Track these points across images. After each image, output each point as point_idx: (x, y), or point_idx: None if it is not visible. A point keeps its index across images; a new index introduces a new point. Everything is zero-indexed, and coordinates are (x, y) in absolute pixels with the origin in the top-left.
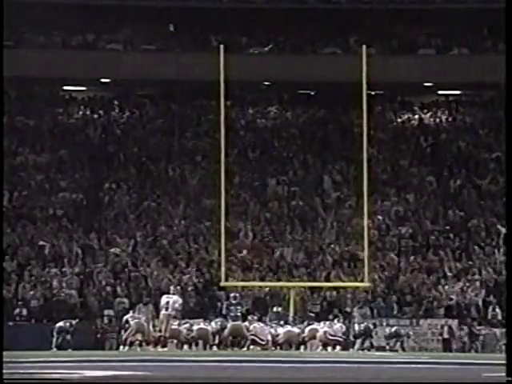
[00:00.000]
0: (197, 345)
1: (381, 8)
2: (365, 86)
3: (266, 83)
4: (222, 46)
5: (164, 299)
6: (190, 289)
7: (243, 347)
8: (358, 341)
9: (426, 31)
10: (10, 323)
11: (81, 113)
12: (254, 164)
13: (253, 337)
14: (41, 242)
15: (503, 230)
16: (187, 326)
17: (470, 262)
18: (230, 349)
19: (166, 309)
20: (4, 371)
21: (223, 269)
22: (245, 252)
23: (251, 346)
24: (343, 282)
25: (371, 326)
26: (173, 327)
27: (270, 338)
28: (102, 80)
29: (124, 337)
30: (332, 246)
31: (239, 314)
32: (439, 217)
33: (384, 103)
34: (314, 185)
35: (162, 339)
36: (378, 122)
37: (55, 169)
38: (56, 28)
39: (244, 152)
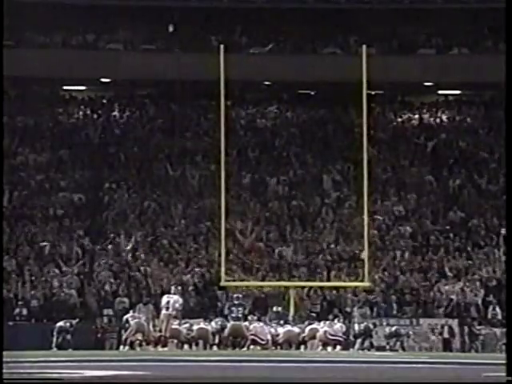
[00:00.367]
0: (197, 345)
1: (381, 8)
2: (365, 86)
3: (266, 83)
4: (222, 46)
5: (165, 299)
6: (190, 289)
7: (243, 347)
8: (358, 340)
9: (427, 31)
10: (10, 323)
11: (81, 113)
12: (254, 164)
13: (253, 337)
14: (43, 244)
15: (503, 232)
16: (187, 325)
17: (470, 262)
18: (230, 349)
19: (167, 308)
20: (4, 371)
21: (223, 269)
22: (245, 252)
23: (251, 346)
24: (343, 281)
25: (371, 326)
26: (173, 327)
27: (269, 337)
28: (102, 80)
29: (124, 336)
30: (332, 245)
31: (240, 314)
32: (439, 216)
33: (384, 103)
34: (314, 185)
35: (163, 339)
36: (378, 122)
37: (55, 168)
38: (56, 28)
39: (244, 152)
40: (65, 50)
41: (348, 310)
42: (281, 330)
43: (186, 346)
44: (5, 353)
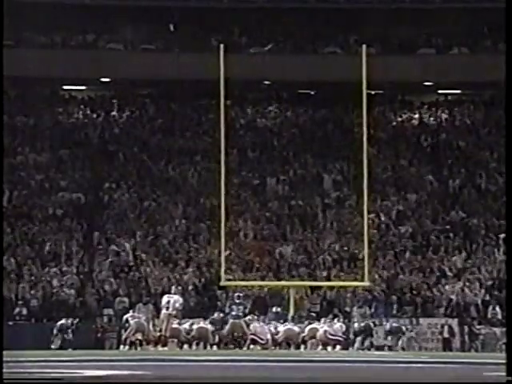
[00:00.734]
0: (198, 344)
1: (381, 8)
2: (365, 86)
3: (266, 83)
4: (221, 46)
5: (165, 299)
6: (190, 288)
7: (243, 346)
8: (358, 340)
9: (426, 31)
10: (10, 323)
11: (81, 112)
12: (253, 163)
13: (252, 336)
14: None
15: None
16: (187, 325)
17: (470, 262)
18: (230, 349)
19: (167, 308)
20: (4, 370)
21: (223, 268)
22: (245, 251)
23: (251, 346)
24: (343, 281)
25: (371, 326)
26: (173, 326)
27: (269, 337)
28: (102, 79)
29: (124, 336)
30: (332, 245)
31: (241, 313)
32: (439, 216)
33: (384, 103)
34: (314, 184)
35: (163, 339)
36: (378, 122)
37: (55, 168)
38: (56, 28)
39: (244, 151)
40: (65, 50)
41: (348, 309)
42: (281, 329)
43: (186, 346)
44: (5, 352)
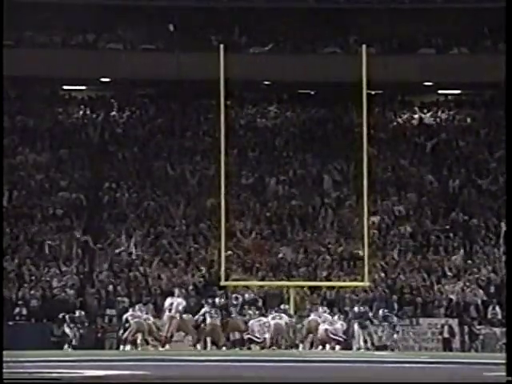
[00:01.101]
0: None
1: (381, 7)
2: (365, 86)
3: (266, 83)
4: (221, 46)
5: (168, 301)
6: (190, 288)
7: (237, 346)
8: (358, 340)
9: (426, 31)
10: (10, 323)
11: (81, 112)
12: (254, 163)
13: (249, 335)
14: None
15: (504, 228)
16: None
17: (470, 262)
18: (230, 349)
19: (170, 310)
20: (4, 370)
21: (223, 268)
22: (245, 251)
23: (251, 346)
24: (343, 281)
25: (371, 326)
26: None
27: (267, 336)
28: (102, 79)
29: (124, 336)
30: (332, 245)
31: (240, 313)
32: (439, 216)
33: (384, 103)
34: (314, 184)
35: (163, 339)
36: (378, 122)
37: (55, 168)
38: (56, 27)
39: (244, 151)
40: (64, 50)
41: (348, 309)
42: (271, 322)
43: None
44: (5, 352)
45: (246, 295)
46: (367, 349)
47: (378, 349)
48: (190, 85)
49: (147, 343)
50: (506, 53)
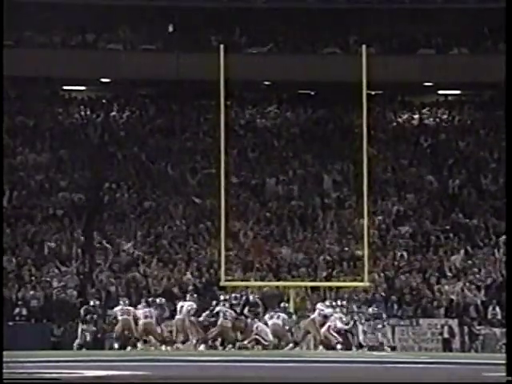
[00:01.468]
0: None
1: (381, 8)
2: (365, 86)
3: (266, 83)
4: (221, 46)
5: (179, 304)
6: (189, 288)
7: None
8: (358, 340)
9: (426, 31)
10: (10, 323)
11: (81, 113)
12: (253, 164)
13: (256, 336)
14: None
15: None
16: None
17: (470, 262)
18: (230, 349)
19: (180, 313)
20: (4, 371)
21: (223, 268)
22: (245, 252)
23: (250, 346)
24: (343, 281)
25: (371, 326)
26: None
27: (272, 338)
28: (102, 80)
29: (114, 335)
30: (332, 245)
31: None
32: (439, 216)
33: (384, 103)
34: (314, 184)
35: (168, 340)
36: (377, 122)
37: (55, 168)
38: (56, 28)
39: (244, 152)
40: (64, 50)
41: (348, 309)
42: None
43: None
44: (5, 353)
45: (246, 295)
46: (367, 349)
47: (377, 349)
48: (189, 85)
49: (135, 341)
50: (506, 53)
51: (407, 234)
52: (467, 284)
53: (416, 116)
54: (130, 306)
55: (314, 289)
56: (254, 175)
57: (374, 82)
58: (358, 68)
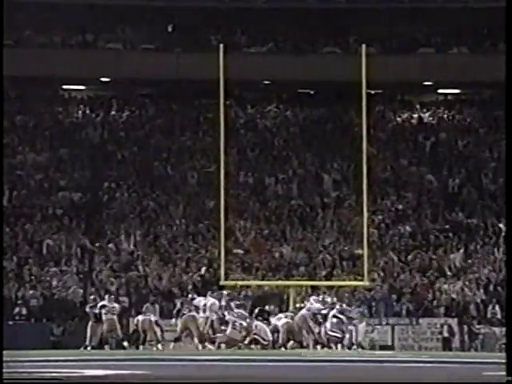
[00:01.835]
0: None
1: (380, 7)
2: (364, 85)
3: (266, 82)
4: (221, 46)
5: (202, 302)
6: (189, 288)
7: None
8: (358, 340)
9: (426, 30)
10: (10, 322)
11: (80, 112)
12: (253, 163)
13: (255, 336)
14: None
15: (503, 228)
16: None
17: (470, 261)
18: (230, 349)
19: (204, 311)
20: (4, 370)
21: (223, 268)
22: (244, 251)
23: (252, 346)
24: (343, 280)
25: (370, 325)
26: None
27: (271, 337)
28: (102, 79)
29: (102, 335)
30: (331, 244)
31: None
32: (439, 216)
33: (384, 102)
34: (314, 184)
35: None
36: (377, 121)
37: (55, 168)
38: (56, 27)
39: (243, 151)
40: (64, 50)
41: (347, 309)
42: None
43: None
44: (4, 352)
45: (246, 295)
46: (367, 349)
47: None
48: (189, 84)
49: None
50: (506, 52)
51: (407, 233)
52: (467, 283)
53: (415, 115)
54: (115, 302)
55: (313, 288)
56: (253, 175)
57: (374, 81)
58: (358, 67)
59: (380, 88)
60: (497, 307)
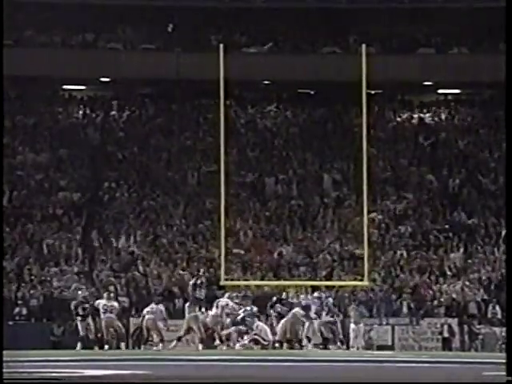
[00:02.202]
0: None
1: (380, 7)
2: (364, 85)
3: (266, 82)
4: (221, 46)
5: (217, 302)
6: (189, 288)
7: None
8: (358, 340)
9: (426, 30)
10: (10, 322)
11: (80, 112)
12: (253, 163)
13: (255, 336)
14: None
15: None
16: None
17: (470, 261)
18: (230, 348)
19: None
20: (4, 370)
21: (223, 268)
22: (244, 251)
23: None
24: (343, 280)
25: (370, 325)
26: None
27: (271, 337)
28: (102, 79)
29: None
30: (332, 244)
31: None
32: (439, 215)
33: (384, 102)
34: (314, 184)
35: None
36: (377, 121)
37: (55, 168)
38: (56, 27)
39: (244, 151)
40: (64, 50)
41: (347, 309)
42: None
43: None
44: (5, 352)
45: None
46: (367, 348)
47: (377, 348)
48: (189, 84)
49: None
50: (506, 52)
51: (407, 233)
52: (467, 283)
53: (416, 115)
54: (114, 300)
55: (313, 288)
56: (253, 175)
57: (374, 81)
58: (358, 67)
59: (380, 88)
60: (497, 307)
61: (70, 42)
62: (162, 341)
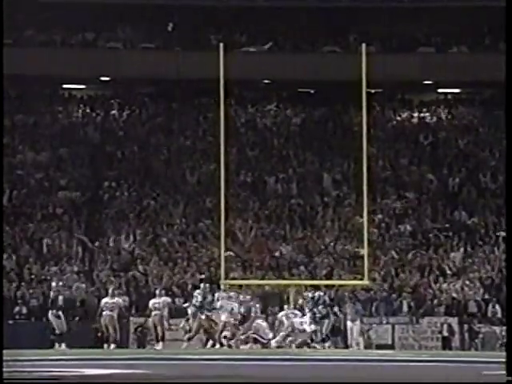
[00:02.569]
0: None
1: (380, 6)
2: (364, 84)
3: (266, 81)
4: (221, 45)
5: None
6: (189, 287)
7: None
8: (358, 339)
9: (426, 29)
10: (10, 321)
11: (80, 111)
12: (253, 162)
13: (254, 335)
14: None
15: (503, 234)
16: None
17: (470, 260)
18: (230, 348)
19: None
20: (4, 370)
21: (223, 267)
22: (244, 250)
23: (250, 345)
24: (343, 280)
25: (370, 325)
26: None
27: (271, 336)
28: (102, 78)
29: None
30: (332, 244)
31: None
32: (439, 215)
33: (384, 101)
34: (314, 183)
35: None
36: (377, 120)
37: (55, 167)
38: (56, 26)
39: (243, 150)
40: (64, 49)
41: (347, 308)
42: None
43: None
44: (4, 351)
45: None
46: (367, 347)
47: (377, 347)
48: (189, 84)
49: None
50: (506, 51)
51: (407, 233)
52: (467, 282)
53: (416, 114)
54: (119, 297)
55: (313, 287)
56: (253, 174)
57: (374, 80)
58: (358, 66)
59: (380, 87)
60: (497, 306)
61: (69, 42)
62: (163, 339)
